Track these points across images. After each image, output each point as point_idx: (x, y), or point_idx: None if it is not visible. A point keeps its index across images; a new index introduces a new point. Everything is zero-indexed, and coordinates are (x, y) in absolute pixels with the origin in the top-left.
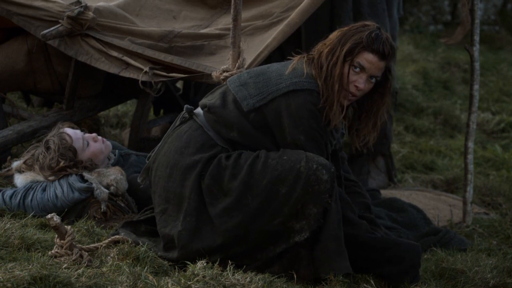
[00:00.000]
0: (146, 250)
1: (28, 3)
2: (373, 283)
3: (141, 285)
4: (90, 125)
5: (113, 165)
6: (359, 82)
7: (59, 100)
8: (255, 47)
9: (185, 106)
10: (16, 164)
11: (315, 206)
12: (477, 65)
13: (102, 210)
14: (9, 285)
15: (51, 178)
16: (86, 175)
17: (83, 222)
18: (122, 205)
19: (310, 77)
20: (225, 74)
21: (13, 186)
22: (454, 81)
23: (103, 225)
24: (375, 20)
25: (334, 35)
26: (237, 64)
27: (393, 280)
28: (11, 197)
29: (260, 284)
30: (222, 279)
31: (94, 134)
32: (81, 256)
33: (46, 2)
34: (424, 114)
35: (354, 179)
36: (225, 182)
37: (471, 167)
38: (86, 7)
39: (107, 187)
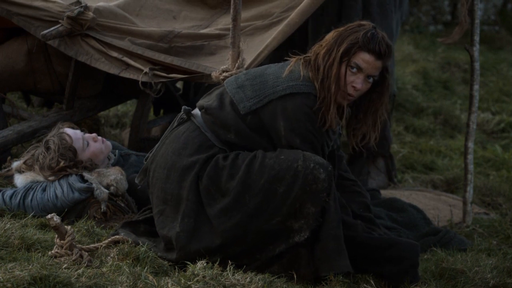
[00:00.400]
0: (146, 250)
1: (28, 3)
2: (373, 283)
3: (141, 285)
4: (90, 125)
5: (113, 165)
6: (357, 83)
7: (59, 100)
8: (255, 47)
9: (183, 107)
10: (16, 164)
11: (313, 205)
12: (477, 65)
13: (102, 210)
14: (9, 285)
15: (51, 178)
16: (86, 175)
17: (83, 222)
18: (122, 205)
19: (307, 80)
20: (224, 74)
21: (13, 186)
22: (454, 81)
23: (103, 225)
24: (384, 20)
25: (330, 36)
26: (236, 64)
27: (393, 279)
28: (11, 197)
29: (260, 284)
30: (222, 279)
31: (94, 134)
32: (81, 256)
33: (46, 2)
34: (424, 114)
35: (353, 178)
36: (223, 182)
37: (471, 167)
38: (86, 7)
39: (107, 187)
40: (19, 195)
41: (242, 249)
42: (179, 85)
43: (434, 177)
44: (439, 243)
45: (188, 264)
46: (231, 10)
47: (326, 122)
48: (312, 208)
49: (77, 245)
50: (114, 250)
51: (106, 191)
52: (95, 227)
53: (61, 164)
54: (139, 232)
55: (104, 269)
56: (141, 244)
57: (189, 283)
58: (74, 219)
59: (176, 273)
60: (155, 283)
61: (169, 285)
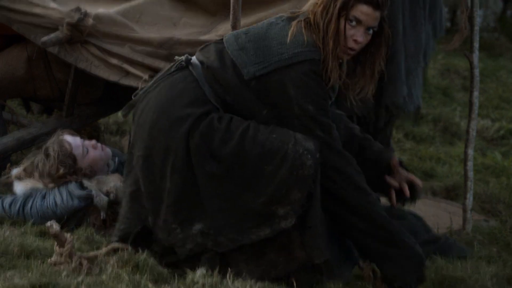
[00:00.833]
0: (145, 258)
1: (28, 10)
2: None
3: None
4: (89, 132)
5: (113, 172)
6: (357, 36)
7: (59, 107)
8: None
9: (185, 55)
10: (15, 171)
11: (299, 191)
12: (476, 72)
13: (102, 217)
14: None
15: (50, 185)
16: (86, 182)
17: (82, 229)
18: None
19: (312, 45)
20: None
21: (13, 193)
22: (453, 88)
23: (102, 232)
24: (413, 30)
25: None
26: None
27: (391, 278)
28: (10, 205)
29: None
30: (222, 287)
31: (93, 141)
32: (80, 264)
33: (45, 9)
34: (423, 121)
35: (363, 134)
36: (215, 145)
37: (470, 174)
38: (86, 14)
39: (107, 194)
40: (19, 203)
41: (226, 223)
42: None
43: (433, 184)
44: (438, 251)
45: (188, 273)
46: (231, 17)
47: (330, 80)
48: (298, 194)
49: (76, 253)
50: (114, 257)
51: (106, 198)
52: (94, 234)
53: (61, 171)
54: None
55: (104, 277)
56: (140, 251)
57: None
58: (74, 227)
59: (176, 281)
60: None
61: None
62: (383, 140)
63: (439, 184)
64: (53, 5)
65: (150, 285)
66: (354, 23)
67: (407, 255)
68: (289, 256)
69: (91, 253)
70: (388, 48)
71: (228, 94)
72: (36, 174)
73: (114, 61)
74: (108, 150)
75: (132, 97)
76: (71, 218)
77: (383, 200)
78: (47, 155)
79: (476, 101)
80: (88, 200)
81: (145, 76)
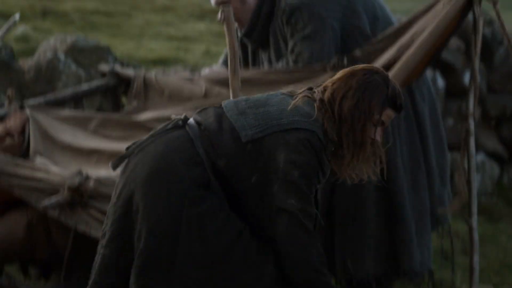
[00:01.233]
0: None
1: (30, 175)
2: None
3: None
4: None
5: None
6: (378, 137)
7: (58, 271)
8: None
9: (183, 114)
10: None
11: None
12: (476, 235)
13: None
14: None
15: None
16: None
17: None
18: None
19: (315, 120)
20: None
21: None
22: (454, 251)
23: None
24: (436, 129)
25: (346, 79)
26: None
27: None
28: None
29: None
30: None
31: None
32: None
33: (47, 174)
34: (423, 285)
35: None
36: (206, 236)
37: None
38: (87, 177)
39: None
40: None
41: None
42: None
43: None
44: None
45: None
46: (231, 95)
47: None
48: None
49: None
50: None
51: None
52: None
53: None
54: None
55: None
56: None
57: None
58: None
59: None
60: None
61: None
62: None
63: None
64: (55, 169)
65: None
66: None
67: None
68: None
69: None
70: None
71: (220, 158)
72: None
73: None
74: None
75: (125, 150)
76: None
77: None
78: None
79: (476, 267)
80: None
81: None
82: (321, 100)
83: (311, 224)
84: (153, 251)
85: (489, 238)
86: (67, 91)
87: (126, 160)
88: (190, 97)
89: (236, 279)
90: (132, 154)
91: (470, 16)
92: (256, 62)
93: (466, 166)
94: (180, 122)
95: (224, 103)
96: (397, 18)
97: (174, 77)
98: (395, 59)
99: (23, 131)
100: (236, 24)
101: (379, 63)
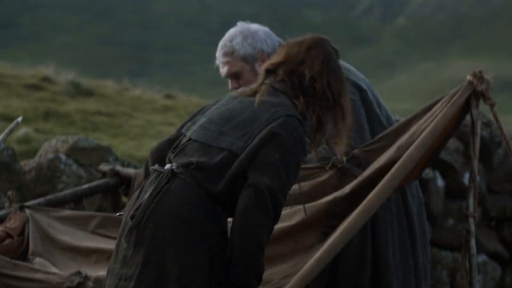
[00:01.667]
0: None
1: (29, 277)
2: None
3: None
4: None
5: None
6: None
7: None
8: None
9: (166, 168)
10: None
11: None
12: None
13: None
14: None
15: None
16: None
17: None
18: None
19: (286, 104)
20: None
21: None
22: None
23: None
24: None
25: (304, 55)
26: None
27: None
28: None
29: None
30: None
31: None
32: None
33: (46, 274)
34: None
35: None
36: None
37: None
38: (86, 277)
39: None
40: None
41: None
42: None
43: None
44: None
45: None
46: None
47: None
48: None
49: None
50: None
51: None
52: None
53: None
54: None
55: None
56: None
57: None
58: None
59: None
60: None
61: None
62: None
63: None
64: (54, 269)
65: None
66: None
67: None
68: None
69: None
70: None
71: (217, 184)
72: None
73: None
74: None
75: (129, 220)
76: None
77: None
78: None
79: None
80: None
81: None
82: (290, 83)
83: (273, 209)
84: None
85: None
86: (67, 191)
87: (134, 230)
88: None
89: None
90: (140, 223)
91: (468, 118)
92: None
93: (467, 267)
94: (170, 174)
95: (191, 136)
96: (395, 119)
97: None
98: (394, 159)
99: (22, 232)
100: None
101: (379, 162)
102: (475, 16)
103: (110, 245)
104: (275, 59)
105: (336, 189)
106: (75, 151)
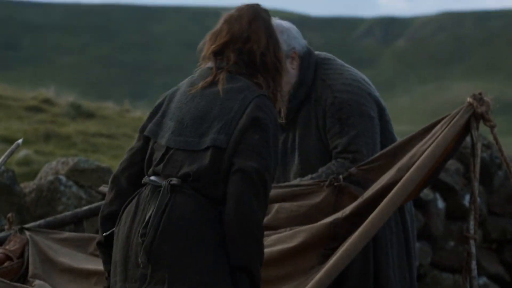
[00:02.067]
0: None
1: None
2: None
3: None
4: None
5: None
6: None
7: None
8: None
9: (163, 183)
10: None
11: None
12: None
13: None
14: None
15: None
16: None
17: None
18: None
19: (249, 85)
20: None
21: None
22: None
23: None
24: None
25: (248, 32)
26: None
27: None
28: None
29: None
30: None
31: None
32: None
33: None
34: None
35: None
36: None
37: None
38: None
39: None
40: None
41: None
42: None
43: None
44: None
45: None
46: None
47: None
48: None
49: None
50: None
51: None
52: None
53: None
54: None
55: None
56: None
57: None
58: None
59: None
60: None
61: None
62: None
63: None
64: None
65: None
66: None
67: None
68: None
69: None
70: None
71: (216, 187)
72: None
73: None
74: None
75: (140, 239)
76: None
77: None
78: None
79: None
80: None
81: None
82: (243, 64)
83: (263, 188)
84: None
85: None
86: (67, 213)
87: (149, 249)
88: None
89: None
90: (154, 241)
91: (469, 139)
92: None
93: None
94: (169, 187)
95: (170, 145)
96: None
97: None
98: (395, 181)
99: (22, 254)
100: None
101: (379, 184)
102: (475, 38)
103: None
104: (219, 39)
105: (333, 207)
106: (75, 173)
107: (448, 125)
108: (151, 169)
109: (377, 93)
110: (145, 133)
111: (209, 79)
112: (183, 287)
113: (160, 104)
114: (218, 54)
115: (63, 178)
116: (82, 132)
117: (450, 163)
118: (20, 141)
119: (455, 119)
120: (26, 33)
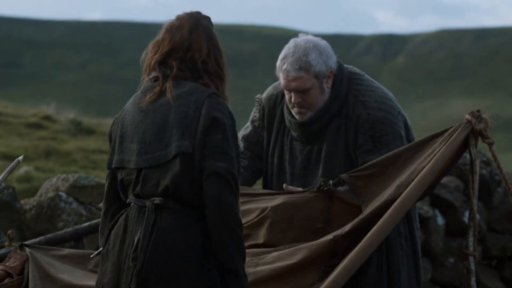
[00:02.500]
0: None
1: None
2: None
3: None
4: None
5: None
6: None
7: None
8: None
9: (146, 203)
10: None
11: None
12: None
13: None
14: None
15: None
16: None
17: None
18: None
19: (200, 87)
20: None
21: None
22: None
23: None
24: None
25: (190, 39)
26: None
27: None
28: None
29: None
30: None
31: None
32: None
33: None
34: None
35: None
36: None
37: None
38: None
39: None
40: None
41: None
42: None
43: None
44: None
45: None
46: None
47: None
48: None
49: None
50: None
51: None
52: None
53: None
54: None
55: None
56: None
57: None
58: None
59: None
60: None
61: None
62: None
63: None
64: None
65: None
66: None
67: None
68: None
69: None
70: None
71: (194, 194)
72: None
73: None
74: None
75: (131, 263)
76: None
77: None
78: None
79: None
80: None
81: None
82: (187, 70)
83: (235, 184)
84: None
85: None
86: (67, 230)
87: (140, 273)
88: None
89: None
90: (143, 267)
91: (468, 156)
92: (292, 152)
93: None
94: (153, 206)
95: (139, 166)
96: None
97: None
98: (394, 198)
99: (22, 271)
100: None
101: (379, 201)
102: (473, 55)
103: None
104: (161, 49)
105: (326, 213)
106: (75, 189)
107: (446, 142)
108: (130, 193)
109: (403, 112)
110: (113, 166)
111: (156, 89)
112: None
113: (112, 132)
114: (161, 63)
115: (63, 195)
116: (83, 149)
117: (450, 180)
118: (20, 158)
119: (453, 136)
120: (27, 50)
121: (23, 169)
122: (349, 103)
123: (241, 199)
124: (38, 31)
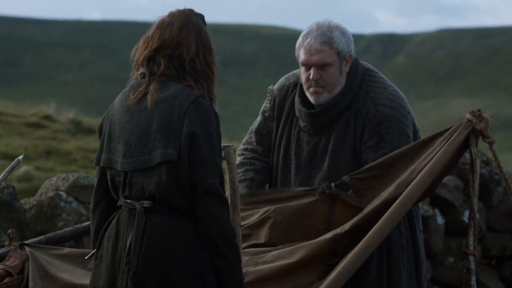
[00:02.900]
0: None
1: None
2: None
3: None
4: None
5: None
6: None
7: None
8: None
9: (136, 205)
10: None
11: None
12: None
13: None
14: None
15: None
16: None
17: None
18: None
19: (184, 90)
20: None
21: None
22: None
23: None
24: None
25: (178, 39)
26: None
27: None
28: None
29: None
30: None
31: None
32: None
33: None
34: None
35: None
36: None
37: None
38: None
39: None
40: None
41: None
42: None
43: None
44: None
45: None
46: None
47: None
48: None
49: None
50: None
51: None
52: None
53: None
54: None
55: None
56: None
57: None
58: None
59: None
60: None
61: None
62: None
63: None
64: None
65: None
66: None
67: None
68: None
69: None
70: None
71: (181, 201)
72: None
73: None
74: None
75: (125, 268)
76: None
77: None
78: None
79: None
80: None
81: None
82: (173, 68)
83: (224, 194)
84: None
85: None
86: (67, 229)
87: (134, 277)
88: None
89: None
90: (137, 271)
91: (468, 156)
92: (299, 143)
93: None
94: (142, 209)
95: (124, 168)
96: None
97: None
98: (394, 197)
99: (22, 270)
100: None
101: (379, 200)
102: (474, 55)
103: None
104: (151, 45)
105: (327, 216)
106: (75, 189)
107: (447, 142)
108: (120, 195)
109: (413, 114)
110: (101, 164)
111: (141, 89)
112: None
113: (101, 127)
114: (150, 59)
115: (63, 194)
116: (83, 148)
117: (450, 179)
118: (20, 157)
119: (454, 135)
120: (27, 50)
121: (23, 169)
122: (359, 98)
123: (246, 207)
124: (38, 31)
